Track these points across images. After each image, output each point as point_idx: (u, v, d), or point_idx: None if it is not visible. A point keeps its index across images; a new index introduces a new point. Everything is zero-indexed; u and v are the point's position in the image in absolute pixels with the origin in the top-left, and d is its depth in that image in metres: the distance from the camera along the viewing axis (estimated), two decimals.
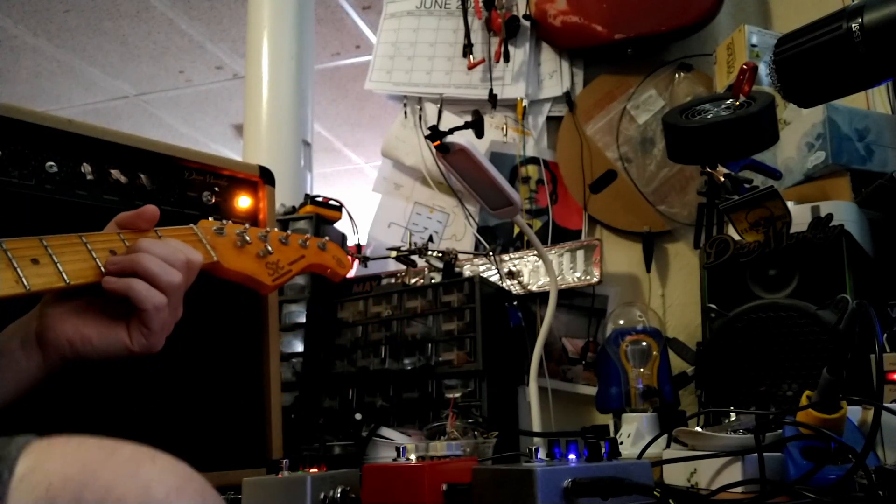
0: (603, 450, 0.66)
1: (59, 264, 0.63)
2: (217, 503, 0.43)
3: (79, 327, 0.66)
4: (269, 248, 0.83)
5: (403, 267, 1.60)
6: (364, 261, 1.67)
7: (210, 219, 0.81)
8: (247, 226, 0.83)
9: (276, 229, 0.88)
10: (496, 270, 1.60)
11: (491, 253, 1.62)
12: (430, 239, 1.61)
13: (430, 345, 1.38)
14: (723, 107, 1.23)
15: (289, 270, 0.85)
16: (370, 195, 1.89)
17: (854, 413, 0.82)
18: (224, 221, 0.81)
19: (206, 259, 0.75)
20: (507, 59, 1.72)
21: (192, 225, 0.78)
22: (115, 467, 0.39)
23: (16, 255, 0.60)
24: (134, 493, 0.38)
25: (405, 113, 1.83)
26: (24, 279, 0.60)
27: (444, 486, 0.74)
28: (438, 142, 1.15)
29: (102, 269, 0.66)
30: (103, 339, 0.66)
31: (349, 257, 0.97)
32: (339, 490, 0.74)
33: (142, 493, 0.38)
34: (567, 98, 1.71)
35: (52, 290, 0.63)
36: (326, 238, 0.94)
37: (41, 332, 0.66)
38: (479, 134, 1.29)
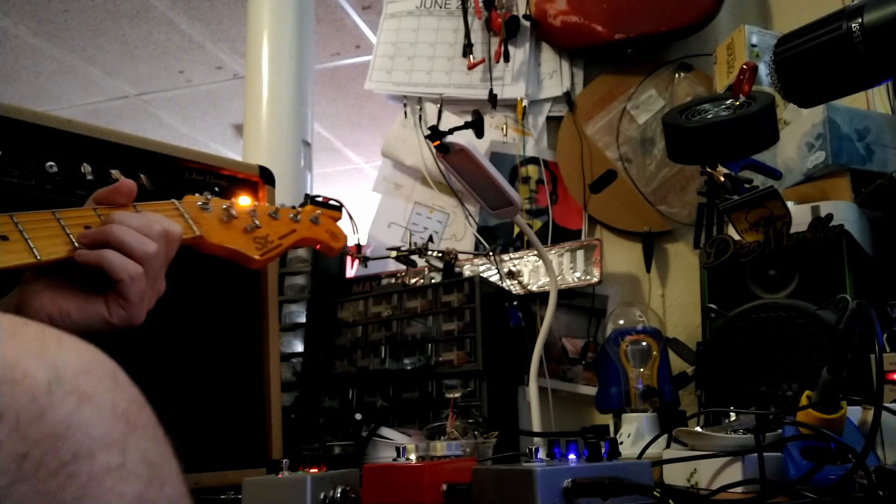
0: (603, 450, 0.66)
1: (29, 240, 0.62)
2: (128, 387, 0.42)
3: (57, 301, 0.65)
4: (257, 223, 0.81)
5: (403, 267, 1.61)
6: (364, 261, 1.67)
7: (196, 195, 0.80)
8: (234, 200, 0.81)
9: (266, 204, 0.86)
10: (496, 270, 1.60)
11: (491, 253, 1.62)
12: (430, 239, 1.61)
13: (430, 345, 1.38)
14: (723, 107, 1.23)
15: (279, 245, 0.83)
16: (370, 195, 1.89)
17: (854, 413, 0.82)
18: (209, 197, 0.80)
19: (188, 234, 0.74)
20: (507, 59, 1.72)
21: (173, 200, 0.76)
22: (20, 346, 0.37)
23: None
24: (41, 370, 0.36)
25: (405, 113, 1.83)
26: None
27: (444, 486, 0.74)
28: (438, 142, 1.15)
29: (75, 243, 0.65)
30: (82, 312, 0.65)
31: (343, 231, 0.95)
32: (339, 490, 0.74)
33: (50, 371, 0.37)
34: (567, 98, 1.71)
35: (22, 267, 0.62)
36: (320, 211, 0.91)
37: (19, 308, 0.65)
38: (479, 134, 1.29)
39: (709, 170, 1.25)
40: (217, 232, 0.78)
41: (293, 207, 0.89)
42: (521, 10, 1.75)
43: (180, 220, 0.75)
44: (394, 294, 1.47)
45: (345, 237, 0.94)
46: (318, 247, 0.92)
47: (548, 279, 1.47)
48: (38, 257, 0.62)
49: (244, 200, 1.15)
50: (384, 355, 1.42)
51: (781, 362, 1.03)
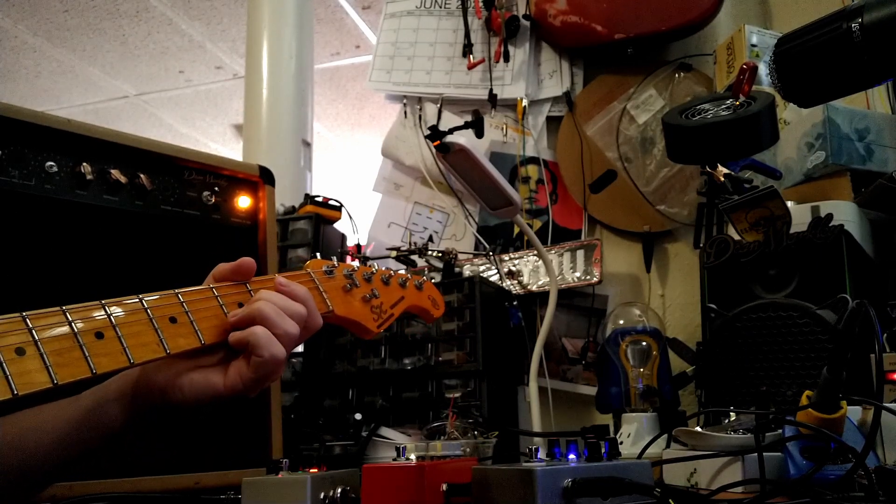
0: (603, 450, 0.66)
1: (194, 323, 0.61)
2: None
3: (173, 378, 0.64)
4: (376, 292, 0.80)
5: (403, 267, 1.60)
6: (364, 261, 1.67)
7: (317, 255, 0.79)
8: (355, 266, 0.80)
9: (381, 268, 0.84)
10: (496, 270, 1.60)
11: (491, 253, 1.62)
12: (430, 239, 1.61)
13: (430, 345, 1.38)
14: (723, 107, 1.23)
15: (391, 314, 0.82)
16: (370, 195, 1.89)
17: (854, 413, 0.82)
18: (334, 261, 0.78)
19: (321, 309, 0.73)
20: (506, 59, 1.72)
21: (309, 271, 0.75)
22: None
23: (155, 314, 0.59)
24: None
25: (405, 113, 1.83)
26: (164, 342, 0.59)
27: (444, 486, 0.74)
28: (438, 142, 1.15)
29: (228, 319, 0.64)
30: (195, 388, 0.64)
31: (440, 295, 0.94)
32: (339, 490, 0.74)
33: None
34: (567, 98, 1.71)
35: (189, 351, 0.61)
36: (423, 278, 0.90)
37: (141, 373, 0.65)
38: (479, 134, 1.29)
39: (709, 170, 1.25)
40: (342, 303, 0.76)
41: (401, 272, 0.87)
42: (521, 9, 1.75)
43: (315, 293, 0.73)
44: None
45: (443, 305, 0.93)
46: (421, 314, 0.90)
47: (548, 279, 1.47)
48: (203, 342, 0.61)
49: (244, 201, 1.15)
50: (384, 355, 1.42)
51: (781, 362, 1.03)
